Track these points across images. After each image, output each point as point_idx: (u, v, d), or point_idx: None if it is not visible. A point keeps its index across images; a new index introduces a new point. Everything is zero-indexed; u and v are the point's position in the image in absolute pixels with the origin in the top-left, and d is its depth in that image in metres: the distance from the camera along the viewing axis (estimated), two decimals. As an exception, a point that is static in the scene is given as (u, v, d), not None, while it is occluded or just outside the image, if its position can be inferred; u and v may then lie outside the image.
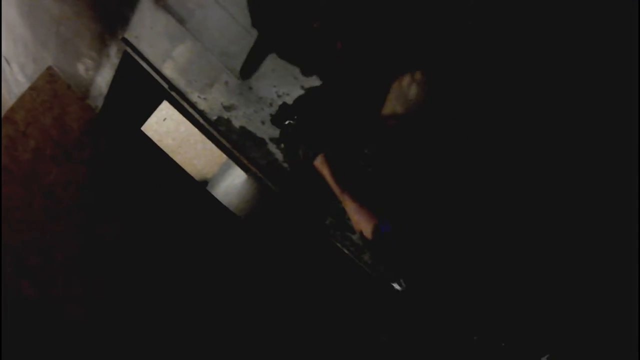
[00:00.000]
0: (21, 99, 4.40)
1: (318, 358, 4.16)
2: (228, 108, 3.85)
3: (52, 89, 4.50)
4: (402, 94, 1.19)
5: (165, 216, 4.77)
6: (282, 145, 1.61)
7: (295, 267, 5.19)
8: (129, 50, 4.02)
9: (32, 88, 4.44)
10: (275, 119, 1.64)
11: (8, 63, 5.74)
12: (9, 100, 6.48)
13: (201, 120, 4.14)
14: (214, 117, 4.05)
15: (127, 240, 4.48)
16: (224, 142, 4.19)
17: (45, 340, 4.00)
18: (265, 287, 4.97)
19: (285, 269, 5.23)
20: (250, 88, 3.51)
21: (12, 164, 4.24)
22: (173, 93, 4.08)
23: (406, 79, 1.21)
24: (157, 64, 3.99)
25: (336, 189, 1.49)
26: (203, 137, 20.43)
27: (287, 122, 1.53)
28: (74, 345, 4.07)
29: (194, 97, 4.01)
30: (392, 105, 1.22)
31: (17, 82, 5.91)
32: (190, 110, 4.14)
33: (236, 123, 3.93)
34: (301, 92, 3.17)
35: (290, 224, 6.18)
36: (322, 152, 1.48)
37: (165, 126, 20.10)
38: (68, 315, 4.08)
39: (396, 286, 1.71)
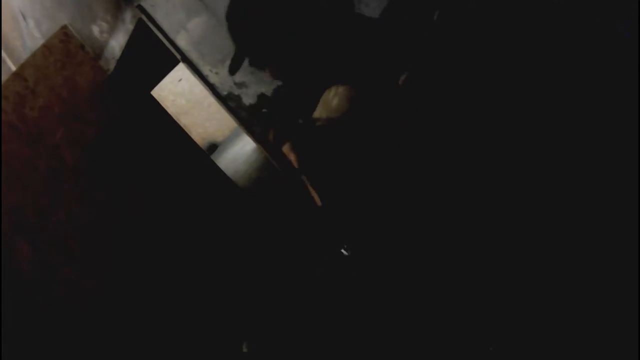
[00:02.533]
0: (33, 56, 4.36)
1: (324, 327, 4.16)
2: (239, 85, 3.81)
3: (65, 48, 4.47)
4: (327, 101, 1.40)
5: (169, 182, 4.76)
6: (256, 129, 1.73)
7: (299, 243, 5.19)
8: (144, 18, 3.97)
9: (45, 46, 4.40)
10: (253, 108, 1.79)
11: (24, 17, 5.69)
12: (22, 53, 6.45)
13: (211, 94, 4.10)
14: (225, 92, 4.00)
15: (130, 204, 4.47)
16: (233, 118, 4.15)
17: (39, 300, 4.00)
18: (268, 259, 4.98)
19: (288, 244, 5.23)
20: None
21: (19, 121, 4.21)
22: (185, 64, 4.04)
23: (332, 91, 1.41)
24: (171, 34, 3.95)
25: (305, 179, 1.63)
26: (216, 101, 20.46)
27: (263, 110, 1.68)
28: (67, 306, 4.07)
29: (206, 70, 3.97)
30: (320, 111, 1.43)
31: (32, 37, 5.87)
32: (201, 82, 4.10)
33: (246, 100, 3.89)
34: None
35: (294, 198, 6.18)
36: (289, 139, 1.62)
37: (180, 87, 20.20)
38: (63, 276, 4.08)
39: (344, 252, 1.78)
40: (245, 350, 4.36)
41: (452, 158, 1.38)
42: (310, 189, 1.65)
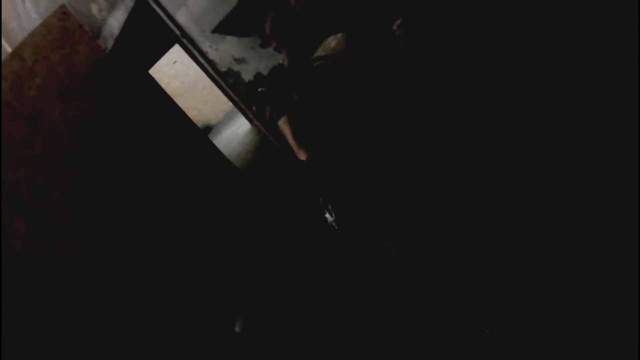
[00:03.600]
0: (31, 36, 4.35)
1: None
2: (239, 61, 3.83)
3: (63, 27, 4.46)
4: (326, 44, 1.51)
5: (166, 161, 4.77)
6: (254, 108, 1.82)
7: (293, 222, 5.21)
8: (144, -6, 3.98)
9: (43, 25, 4.39)
10: (250, 87, 1.88)
11: (21, -1, 5.69)
12: (19, 35, 6.43)
13: (210, 70, 4.12)
14: (224, 69, 4.02)
15: (125, 182, 4.48)
16: (232, 94, 4.17)
17: (34, 278, 4.02)
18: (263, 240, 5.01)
19: (283, 224, 5.25)
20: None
21: (16, 100, 4.21)
22: (184, 40, 4.05)
23: (331, 37, 1.52)
24: (171, 10, 3.96)
25: (294, 145, 1.71)
26: (211, 82, 20.38)
27: (259, 89, 1.75)
28: (62, 283, 4.09)
29: (206, 46, 3.98)
30: (319, 51, 1.53)
31: (29, 18, 5.86)
32: (201, 59, 4.11)
33: (245, 77, 3.91)
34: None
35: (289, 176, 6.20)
36: (284, 115, 1.71)
37: (174, 69, 20.14)
38: (58, 254, 4.09)
39: (328, 217, 1.84)
40: (237, 330, 4.39)
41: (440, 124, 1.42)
42: (299, 150, 1.72)
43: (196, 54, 4.10)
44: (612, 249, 1.37)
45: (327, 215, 1.84)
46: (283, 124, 1.65)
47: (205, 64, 4.14)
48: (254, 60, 3.70)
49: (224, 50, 3.86)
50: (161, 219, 4.58)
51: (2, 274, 3.90)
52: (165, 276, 4.48)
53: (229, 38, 3.72)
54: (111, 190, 4.40)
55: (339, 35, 1.50)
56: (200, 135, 5.27)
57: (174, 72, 20.02)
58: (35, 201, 4.09)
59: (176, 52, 19.25)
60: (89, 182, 4.32)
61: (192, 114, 20.31)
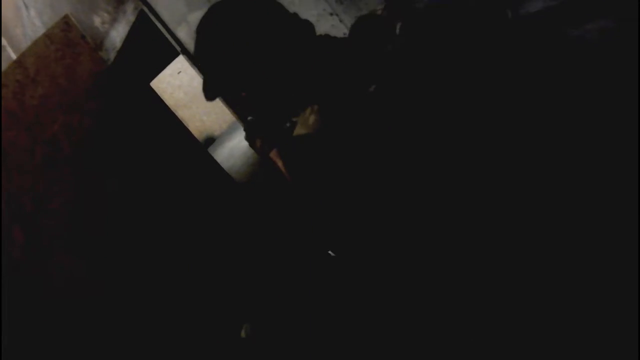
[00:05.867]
0: (34, 45, 4.37)
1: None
2: (238, 79, 3.84)
3: (66, 37, 4.48)
4: (305, 120, 1.51)
5: (166, 174, 4.78)
6: (245, 136, 1.82)
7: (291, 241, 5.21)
8: (145, 9, 4.00)
9: (46, 35, 4.41)
10: (243, 115, 1.89)
11: (26, 6, 5.72)
12: (23, 42, 6.47)
13: (210, 87, 4.14)
14: (223, 86, 4.04)
15: (125, 194, 4.49)
16: (230, 111, 4.19)
17: (33, 285, 4.02)
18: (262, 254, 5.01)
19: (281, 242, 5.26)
20: (262, 62, 3.50)
21: (18, 109, 4.22)
22: (185, 56, 4.07)
23: (308, 110, 1.51)
24: (171, 26, 3.98)
25: (288, 177, 1.73)
26: (215, 94, 20.49)
27: (249, 118, 1.74)
28: (61, 292, 4.09)
29: (205, 63, 4.00)
30: (298, 129, 1.54)
31: (33, 25, 5.89)
32: (200, 76, 4.13)
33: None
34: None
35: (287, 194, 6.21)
36: (276, 146, 1.72)
37: (179, 79, 20.18)
38: (56, 263, 4.09)
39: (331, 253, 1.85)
40: (243, 335, 4.39)
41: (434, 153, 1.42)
42: (285, 172, 1.73)
43: (196, 71, 4.12)
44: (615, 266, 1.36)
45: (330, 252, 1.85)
46: (275, 157, 1.66)
47: (205, 80, 4.16)
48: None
49: (224, 67, 3.88)
50: (160, 229, 4.58)
51: (1, 281, 3.90)
52: (166, 284, 4.47)
53: (228, 55, 3.74)
54: (111, 201, 4.40)
55: (315, 108, 1.51)
56: (199, 149, 5.29)
57: (179, 82, 20.04)
58: (35, 210, 4.10)
59: (181, 62, 19.30)
60: (89, 193, 4.32)
61: (195, 124, 20.31)
